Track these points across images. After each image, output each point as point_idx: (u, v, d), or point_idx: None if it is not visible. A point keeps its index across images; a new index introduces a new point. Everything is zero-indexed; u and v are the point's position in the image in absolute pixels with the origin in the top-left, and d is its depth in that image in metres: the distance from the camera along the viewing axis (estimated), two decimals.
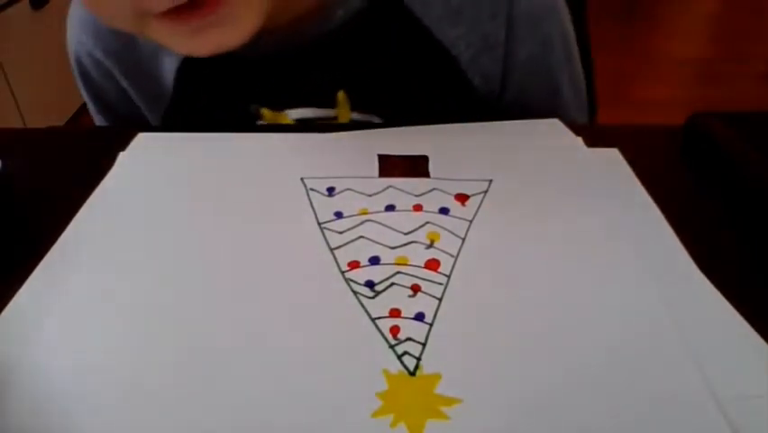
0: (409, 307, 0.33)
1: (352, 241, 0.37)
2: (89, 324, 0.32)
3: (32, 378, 0.29)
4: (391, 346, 0.30)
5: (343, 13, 0.49)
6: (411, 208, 0.40)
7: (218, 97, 0.54)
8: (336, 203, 0.40)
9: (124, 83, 0.56)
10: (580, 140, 0.46)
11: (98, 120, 0.61)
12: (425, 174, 0.43)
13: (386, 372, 0.29)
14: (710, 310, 0.32)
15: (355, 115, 0.53)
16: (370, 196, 0.41)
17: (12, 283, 0.34)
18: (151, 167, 0.44)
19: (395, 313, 0.32)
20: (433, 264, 0.35)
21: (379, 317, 0.32)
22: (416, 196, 0.41)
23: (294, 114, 0.54)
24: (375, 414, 0.27)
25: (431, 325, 0.32)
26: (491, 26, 0.51)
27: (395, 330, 0.31)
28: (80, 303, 0.33)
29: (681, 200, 0.41)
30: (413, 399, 0.28)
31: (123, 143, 0.46)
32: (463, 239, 0.37)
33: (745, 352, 0.30)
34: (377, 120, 0.53)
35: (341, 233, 0.38)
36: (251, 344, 0.31)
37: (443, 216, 0.39)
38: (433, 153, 0.45)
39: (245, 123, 0.53)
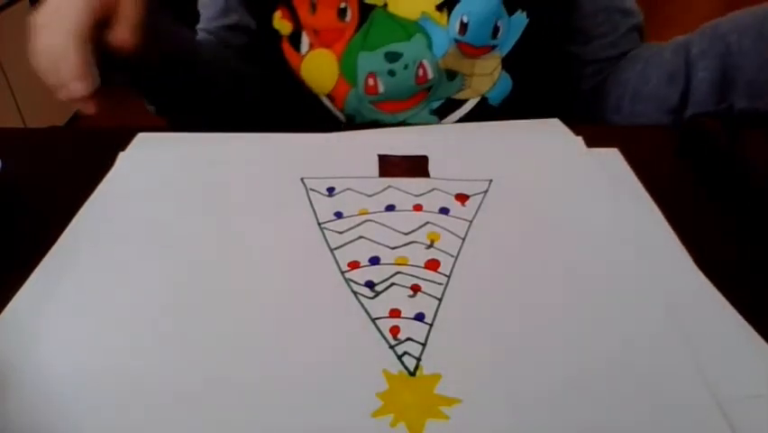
0: (409, 307, 0.33)
1: (352, 241, 0.37)
2: (89, 324, 0.32)
3: (32, 378, 0.29)
4: (391, 347, 0.30)
5: None
6: (411, 208, 0.40)
7: None
8: (336, 203, 0.40)
9: None
10: (580, 140, 0.46)
11: None
12: (425, 174, 0.43)
13: (386, 372, 0.29)
14: (710, 310, 0.32)
15: None
16: (370, 196, 0.41)
17: (12, 283, 0.34)
18: (151, 167, 0.44)
19: (395, 313, 0.32)
20: (433, 264, 0.35)
21: (379, 318, 0.32)
22: (416, 196, 0.41)
23: None
24: (375, 414, 0.27)
25: (431, 325, 0.31)
26: None
27: (395, 330, 0.31)
28: (80, 303, 0.33)
29: (680, 200, 0.41)
30: (413, 399, 0.28)
31: (123, 143, 0.46)
32: (463, 239, 0.37)
33: (745, 352, 0.30)
34: None
35: (341, 233, 0.38)
36: (252, 344, 0.31)
37: (443, 216, 0.39)
38: (433, 153, 0.45)
39: None
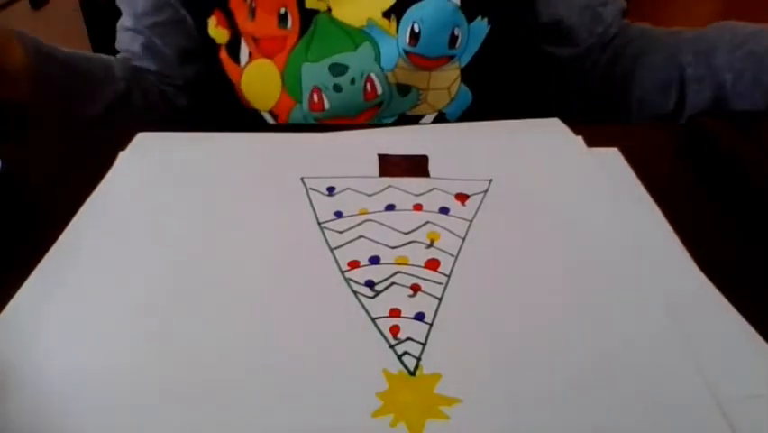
0: (409, 307, 0.33)
1: (352, 241, 0.37)
2: (89, 324, 0.32)
3: (32, 378, 0.29)
4: (391, 346, 0.30)
5: None
6: (411, 208, 0.40)
7: None
8: (336, 203, 0.40)
9: None
10: (580, 139, 0.46)
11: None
12: (425, 174, 0.43)
13: (386, 372, 0.29)
14: (710, 310, 0.32)
15: None
16: (370, 196, 0.41)
17: (12, 283, 0.34)
18: (151, 167, 0.44)
19: (395, 313, 0.32)
20: (433, 264, 0.35)
21: (379, 317, 0.32)
22: (416, 196, 0.41)
23: None
24: (375, 414, 0.27)
25: (431, 325, 0.31)
26: None
27: (395, 330, 0.31)
28: (80, 303, 0.33)
29: (681, 200, 0.41)
30: (413, 399, 0.28)
31: (123, 143, 0.46)
32: (463, 239, 0.37)
33: (745, 352, 0.30)
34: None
35: (341, 232, 0.38)
36: (252, 344, 0.31)
37: (443, 216, 0.39)
38: (433, 153, 0.45)
39: None
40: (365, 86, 0.52)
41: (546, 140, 0.47)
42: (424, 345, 0.30)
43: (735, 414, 0.27)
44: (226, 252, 0.36)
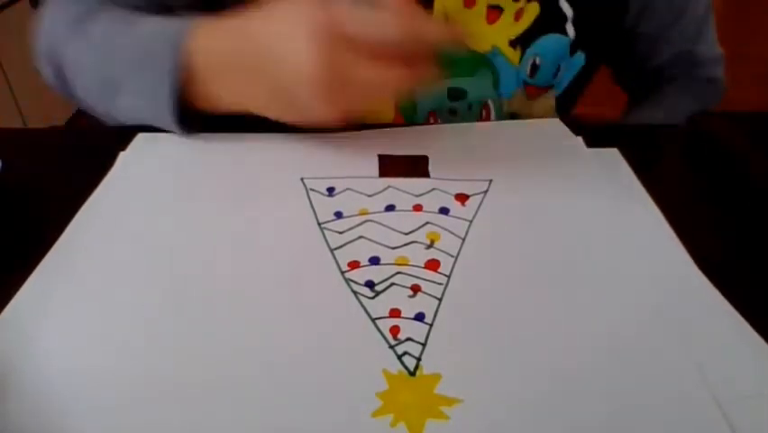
0: (409, 307, 0.33)
1: (352, 241, 0.37)
2: (89, 324, 0.32)
3: (32, 378, 0.29)
4: (391, 347, 0.30)
5: None
6: (411, 208, 0.40)
7: None
8: (336, 203, 0.40)
9: None
10: (580, 140, 0.46)
11: None
12: (425, 174, 0.43)
13: (386, 372, 0.29)
14: (710, 310, 0.32)
15: None
16: (370, 196, 0.41)
17: (12, 283, 0.34)
18: (151, 167, 0.44)
19: (395, 313, 0.32)
20: (433, 264, 0.35)
21: (379, 318, 0.32)
22: (416, 196, 0.41)
23: None
24: (375, 414, 0.27)
25: (431, 325, 0.32)
26: None
27: (395, 330, 0.31)
28: (80, 303, 0.33)
29: (681, 200, 0.41)
30: (413, 399, 0.28)
31: (123, 143, 0.46)
32: (463, 239, 0.37)
33: (744, 352, 0.30)
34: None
35: (341, 233, 0.38)
36: (252, 344, 0.31)
37: (443, 216, 0.39)
38: (433, 153, 0.45)
39: None
40: (481, 112, 0.52)
41: (546, 140, 0.47)
42: (424, 345, 0.30)
43: (735, 414, 0.27)
44: (226, 252, 0.36)
